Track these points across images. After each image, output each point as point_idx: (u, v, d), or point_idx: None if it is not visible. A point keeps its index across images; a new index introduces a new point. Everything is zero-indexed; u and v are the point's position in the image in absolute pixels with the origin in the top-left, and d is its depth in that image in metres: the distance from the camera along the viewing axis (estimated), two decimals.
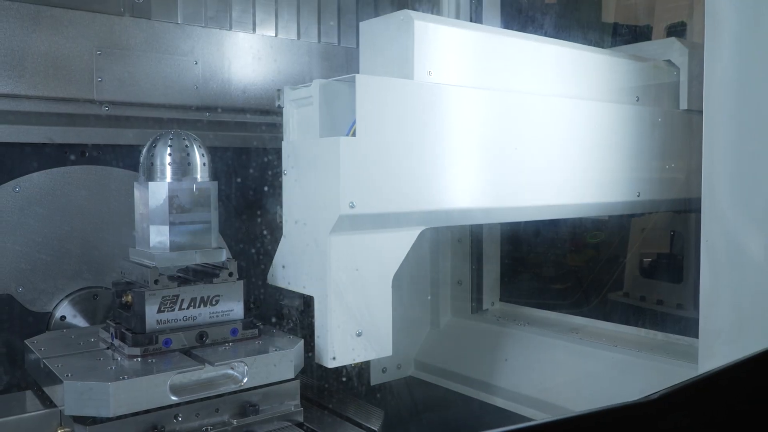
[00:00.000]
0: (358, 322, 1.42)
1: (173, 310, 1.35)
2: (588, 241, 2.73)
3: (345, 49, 2.27)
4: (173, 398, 1.27)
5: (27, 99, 1.69)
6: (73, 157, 1.81)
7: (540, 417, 1.98)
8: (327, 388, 1.76)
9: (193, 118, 1.96)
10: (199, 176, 1.42)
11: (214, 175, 1.47)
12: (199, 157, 1.42)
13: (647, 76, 1.97)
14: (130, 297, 1.35)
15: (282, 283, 1.52)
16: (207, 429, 1.35)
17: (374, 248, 1.44)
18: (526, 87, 1.67)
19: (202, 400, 1.36)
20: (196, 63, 1.93)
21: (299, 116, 1.52)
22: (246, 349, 1.40)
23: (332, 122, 1.45)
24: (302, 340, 1.44)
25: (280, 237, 1.54)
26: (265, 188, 2.17)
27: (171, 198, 1.37)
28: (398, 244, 1.47)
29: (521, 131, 1.63)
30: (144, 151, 1.43)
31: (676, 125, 1.99)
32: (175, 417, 1.32)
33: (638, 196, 1.89)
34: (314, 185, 1.41)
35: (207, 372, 1.29)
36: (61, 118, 1.74)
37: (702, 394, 0.87)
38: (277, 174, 2.17)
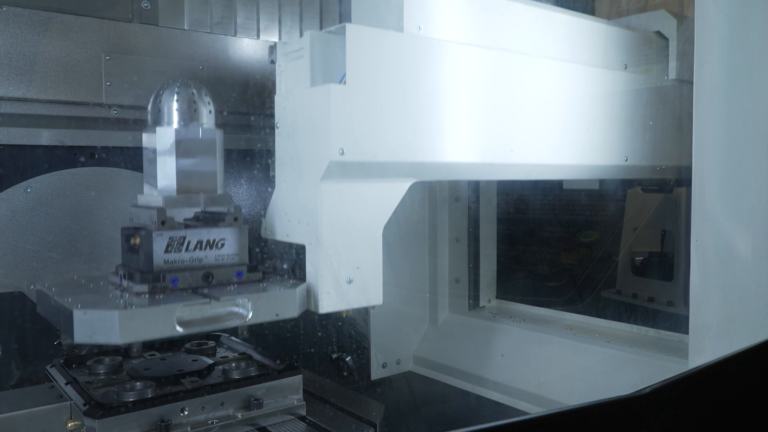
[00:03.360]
0: (348, 270, 1.41)
1: (180, 251, 1.33)
2: (581, 240, 2.73)
3: None
4: (179, 329, 1.21)
5: (38, 102, 1.69)
6: (82, 159, 1.81)
7: (535, 411, 1.98)
8: (329, 383, 1.76)
9: None
10: (205, 123, 1.41)
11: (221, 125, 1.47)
12: (204, 105, 1.42)
13: (636, 45, 1.96)
14: (138, 239, 1.33)
15: (275, 236, 1.50)
16: (212, 422, 1.36)
17: (364, 198, 1.42)
18: (517, 47, 1.64)
19: (208, 394, 1.36)
20: (202, 68, 1.93)
21: (291, 70, 1.49)
22: (251, 289, 1.36)
23: (324, 74, 1.44)
24: (306, 283, 1.40)
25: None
26: (269, 189, 2.17)
27: (177, 143, 1.37)
28: (388, 196, 1.46)
29: (510, 90, 1.61)
30: (152, 98, 1.41)
31: (664, 94, 1.99)
32: (182, 411, 1.32)
33: (626, 160, 1.88)
34: (306, 134, 1.40)
35: (213, 307, 1.25)
36: (71, 121, 1.74)
37: (692, 388, 0.87)
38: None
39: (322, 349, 2.33)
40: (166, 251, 1.32)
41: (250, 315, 1.29)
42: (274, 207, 1.51)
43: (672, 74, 1.99)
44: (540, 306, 2.46)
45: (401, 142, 1.43)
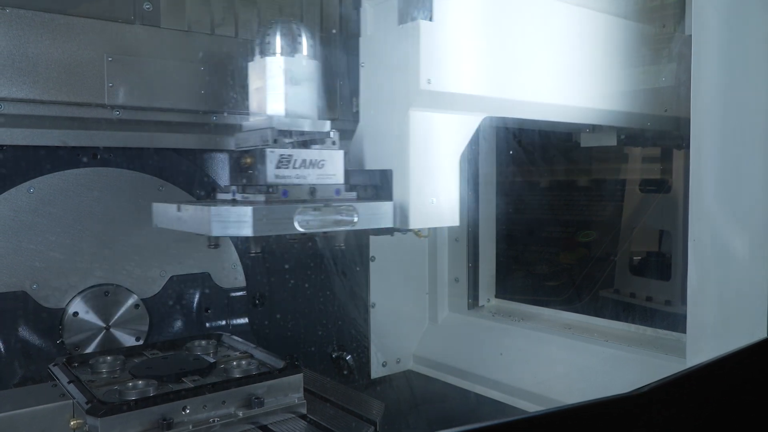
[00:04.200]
0: (431, 193, 1.54)
1: (287, 168, 1.46)
2: (580, 240, 2.73)
3: None
4: (299, 228, 1.35)
5: (41, 103, 1.69)
6: (85, 160, 1.81)
7: (534, 409, 1.98)
8: (329, 382, 1.76)
9: (201, 122, 1.96)
10: (306, 54, 1.54)
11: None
12: (306, 39, 1.53)
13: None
14: (249, 159, 1.46)
15: (363, 165, 1.62)
16: (214, 420, 1.35)
17: (444, 127, 1.55)
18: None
19: (209, 392, 1.36)
20: (203, 68, 1.93)
21: (377, 13, 1.64)
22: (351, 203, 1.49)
23: (408, 15, 1.56)
24: (392, 202, 1.53)
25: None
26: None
27: (286, 71, 1.50)
28: (464, 127, 1.59)
29: (570, 39, 1.77)
30: (259, 33, 1.54)
31: (676, 48, 2.02)
32: (183, 409, 1.32)
33: (665, 111, 1.98)
34: (394, 68, 1.52)
35: (326, 212, 1.40)
36: (73, 122, 1.74)
37: (690, 386, 0.87)
38: None
39: (323, 348, 2.33)
40: (277, 167, 1.45)
41: (356, 220, 1.43)
42: (357, 141, 1.63)
43: (688, 30, 2.03)
44: (539, 305, 2.46)
45: (477, 77, 1.57)
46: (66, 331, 1.77)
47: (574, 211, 2.95)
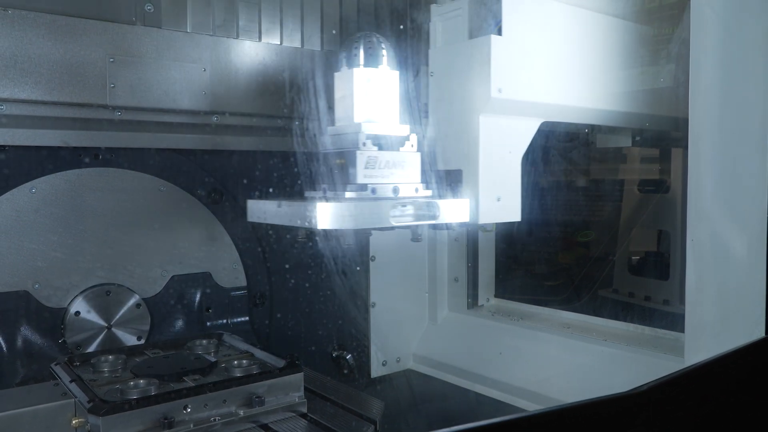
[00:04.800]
0: (497, 191, 1.68)
1: (374, 168, 1.58)
2: (579, 240, 2.73)
3: None
4: (392, 222, 1.51)
5: (43, 104, 1.69)
6: (87, 160, 1.81)
7: (533, 408, 1.98)
8: (329, 381, 1.76)
9: (202, 122, 1.96)
10: (387, 66, 1.66)
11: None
12: (386, 52, 1.65)
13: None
14: (340, 160, 1.58)
15: (436, 166, 1.75)
16: (215, 419, 1.35)
17: (508, 130, 1.70)
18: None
19: (210, 391, 1.36)
20: (205, 70, 1.93)
21: (443, 27, 1.80)
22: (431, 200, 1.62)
23: (477, 29, 1.74)
24: (465, 199, 1.66)
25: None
26: (271, 189, 2.17)
27: (371, 81, 1.64)
28: (525, 130, 1.75)
29: (610, 49, 1.92)
30: (345, 46, 1.67)
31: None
32: (185, 408, 1.32)
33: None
34: (465, 77, 1.67)
35: (414, 207, 1.55)
36: (75, 122, 1.74)
37: (688, 385, 0.87)
38: (282, 176, 2.18)
39: (323, 347, 2.33)
40: (365, 167, 1.57)
41: (439, 215, 1.58)
42: (429, 142, 1.77)
43: None
44: (538, 305, 2.46)
45: (538, 85, 1.72)
46: (68, 330, 1.77)
47: (572, 211, 2.96)
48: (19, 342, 1.72)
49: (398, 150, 1.62)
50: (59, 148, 1.75)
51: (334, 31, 2.25)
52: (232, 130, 2.02)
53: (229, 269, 2.07)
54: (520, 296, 2.57)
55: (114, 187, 1.85)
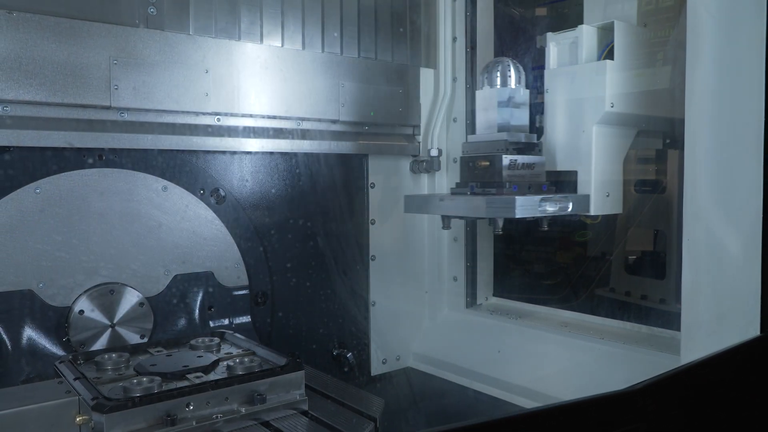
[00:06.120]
0: (606, 188, 1.98)
1: (513, 169, 1.88)
2: (576, 240, 2.72)
3: (347, 58, 2.27)
4: (539, 213, 1.82)
5: (47, 106, 1.69)
6: (90, 161, 1.81)
7: (531, 405, 1.98)
8: (330, 379, 1.76)
9: (204, 123, 1.96)
10: (522, 86, 2.01)
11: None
12: (520, 73, 2.00)
13: None
14: (486, 162, 1.89)
15: (555, 167, 2.02)
16: (217, 417, 1.35)
17: (615, 138, 1.99)
18: None
19: (212, 389, 1.36)
20: (207, 71, 1.93)
21: (558, 51, 2.06)
22: (558, 195, 1.89)
23: (589, 54, 2.00)
24: (581, 195, 1.95)
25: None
26: (273, 190, 2.17)
27: (510, 98, 1.97)
28: (625, 138, 2.03)
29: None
30: (485, 69, 2.02)
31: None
32: (187, 405, 1.32)
33: None
34: (580, 94, 1.95)
35: (552, 200, 1.83)
36: (79, 123, 1.74)
37: (684, 383, 0.87)
38: (283, 176, 2.18)
39: (324, 346, 2.33)
40: (508, 168, 1.87)
41: (570, 207, 1.87)
42: (550, 145, 2.04)
43: None
44: (536, 303, 2.46)
45: (637, 100, 1.96)
46: (72, 328, 1.77)
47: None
48: (24, 340, 1.72)
49: (530, 154, 1.94)
50: (63, 149, 1.75)
51: (335, 34, 2.25)
52: (233, 131, 2.02)
53: (231, 269, 2.07)
54: (518, 295, 2.57)
55: (117, 187, 1.85)
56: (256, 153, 2.11)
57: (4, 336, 1.69)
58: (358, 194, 2.38)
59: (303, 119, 2.16)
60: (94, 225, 1.82)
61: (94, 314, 1.81)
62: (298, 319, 2.24)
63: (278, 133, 2.11)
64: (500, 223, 1.87)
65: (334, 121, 2.23)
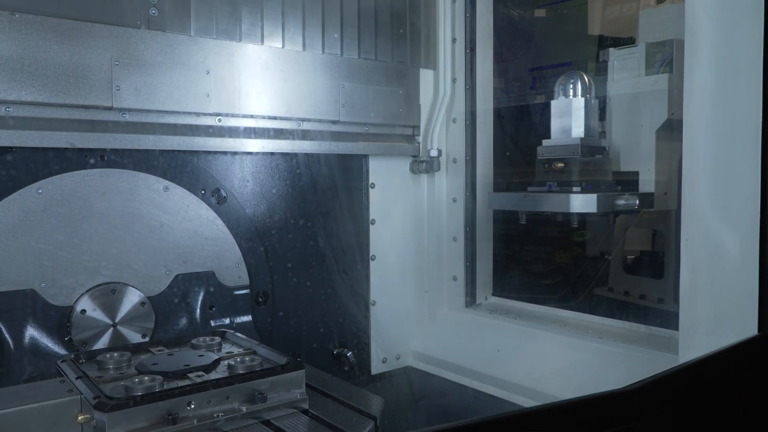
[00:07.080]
0: (664, 187, 2.13)
1: (587, 169, 2.10)
2: (575, 240, 2.72)
3: (347, 59, 2.27)
4: (612, 208, 2.03)
5: (49, 106, 1.69)
6: (92, 161, 1.81)
7: (530, 404, 1.98)
8: (330, 378, 1.76)
9: (206, 124, 1.96)
10: (592, 96, 2.19)
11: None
12: (589, 85, 2.18)
13: None
14: (561, 164, 2.11)
15: (620, 168, 2.20)
16: (218, 415, 1.36)
17: (672, 141, 2.09)
18: None
19: (213, 388, 1.36)
20: (208, 72, 1.93)
21: (622, 65, 2.24)
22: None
23: (648, 67, 2.18)
24: (639, 193, 2.12)
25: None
26: (273, 190, 2.17)
27: (584, 107, 2.15)
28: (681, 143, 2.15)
29: None
30: (560, 81, 2.21)
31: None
32: (188, 404, 1.32)
33: None
34: (641, 104, 2.14)
35: (623, 197, 2.02)
36: (81, 124, 1.74)
37: (682, 382, 0.87)
38: (283, 177, 2.18)
39: (324, 345, 2.33)
40: (582, 169, 2.09)
41: (637, 203, 2.02)
42: (614, 146, 2.22)
43: None
44: (535, 303, 2.46)
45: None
46: (74, 328, 1.77)
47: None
48: (26, 340, 1.72)
49: (598, 157, 2.15)
50: (65, 149, 1.75)
51: (336, 35, 2.25)
52: (234, 132, 2.02)
53: (232, 268, 2.07)
54: (518, 294, 2.57)
55: (119, 187, 1.85)
56: (257, 153, 2.11)
57: (7, 335, 1.69)
58: (359, 194, 2.39)
59: (303, 120, 2.16)
60: (96, 225, 1.82)
61: (96, 313, 1.81)
62: (298, 319, 2.25)
63: (279, 134, 2.11)
64: (574, 221, 2.10)
65: (334, 122, 2.24)
